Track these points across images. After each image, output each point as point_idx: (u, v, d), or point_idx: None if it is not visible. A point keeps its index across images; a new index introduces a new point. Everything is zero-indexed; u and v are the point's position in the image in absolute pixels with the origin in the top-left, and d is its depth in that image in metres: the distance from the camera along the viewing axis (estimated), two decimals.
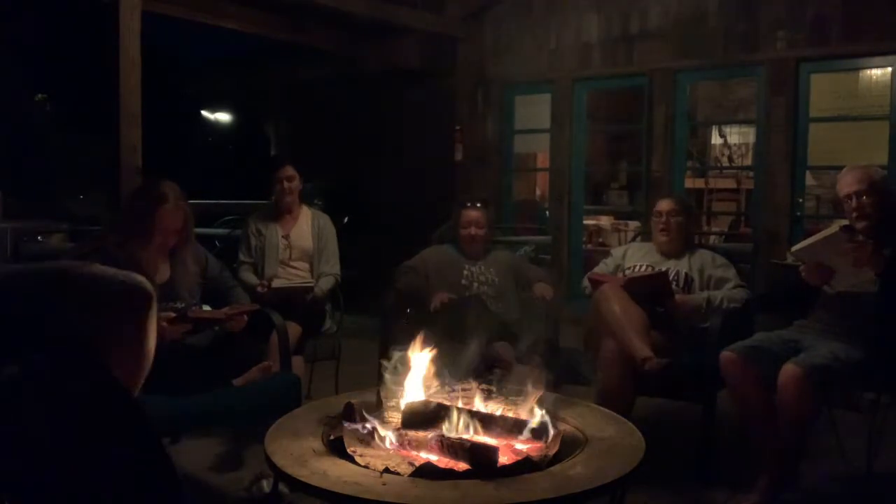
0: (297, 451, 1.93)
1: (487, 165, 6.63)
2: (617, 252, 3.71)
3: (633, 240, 4.30)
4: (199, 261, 3.12)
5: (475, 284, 3.65)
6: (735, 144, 9.42)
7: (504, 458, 1.88)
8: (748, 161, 8.74)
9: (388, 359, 2.30)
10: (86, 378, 1.11)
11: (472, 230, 3.71)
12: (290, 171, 3.93)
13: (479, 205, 3.78)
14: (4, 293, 1.20)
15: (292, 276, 3.92)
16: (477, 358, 2.47)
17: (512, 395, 2.30)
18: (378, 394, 2.28)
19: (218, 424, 3.19)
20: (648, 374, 2.83)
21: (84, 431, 1.08)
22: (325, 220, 4.06)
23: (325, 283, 3.88)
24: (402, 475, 1.79)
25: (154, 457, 1.14)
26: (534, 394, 2.23)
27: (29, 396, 1.08)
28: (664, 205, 3.52)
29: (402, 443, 1.99)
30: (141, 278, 1.21)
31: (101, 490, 1.08)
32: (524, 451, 1.98)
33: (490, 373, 2.68)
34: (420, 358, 2.28)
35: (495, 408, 2.23)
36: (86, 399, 1.10)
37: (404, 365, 2.27)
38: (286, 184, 3.90)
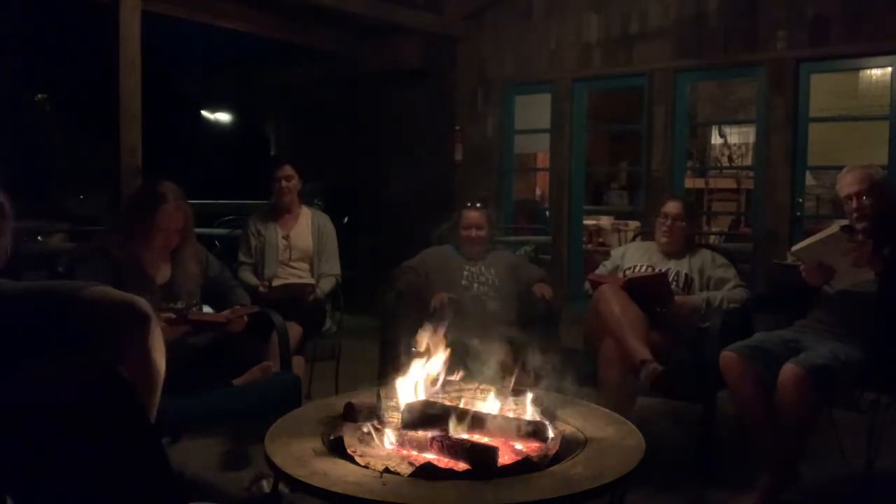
0: (297, 451, 1.93)
1: (487, 165, 6.62)
2: (616, 253, 3.71)
3: (633, 240, 4.29)
4: (199, 261, 3.11)
5: (475, 285, 3.64)
6: (735, 144, 9.42)
7: (504, 458, 1.88)
8: (748, 161, 8.75)
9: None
10: (104, 381, 1.15)
11: (473, 231, 3.70)
12: (288, 170, 3.94)
13: (479, 205, 3.78)
14: (18, 305, 1.25)
15: (292, 276, 3.92)
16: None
17: (511, 395, 2.30)
18: (378, 393, 2.28)
19: (218, 424, 3.19)
20: (644, 383, 2.83)
21: (93, 427, 1.12)
22: (325, 220, 4.06)
23: (327, 284, 3.89)
24: (402, 475, 1.79)
25: (154, 459, 1.16)
26: (533, 394, 2.23)
27: (48, 397, 1.12)
28: (671, 208, 3.48)
29: (402, 443, 1.99)
30: (141, 299, 1.28)
31: (102, 490, 1.10)
32: (524, 451, 1.98)
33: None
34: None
35: (495, 408, 2.23)
36: (98, 397, 1.14)
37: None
38: (284, 183, 3.91)
